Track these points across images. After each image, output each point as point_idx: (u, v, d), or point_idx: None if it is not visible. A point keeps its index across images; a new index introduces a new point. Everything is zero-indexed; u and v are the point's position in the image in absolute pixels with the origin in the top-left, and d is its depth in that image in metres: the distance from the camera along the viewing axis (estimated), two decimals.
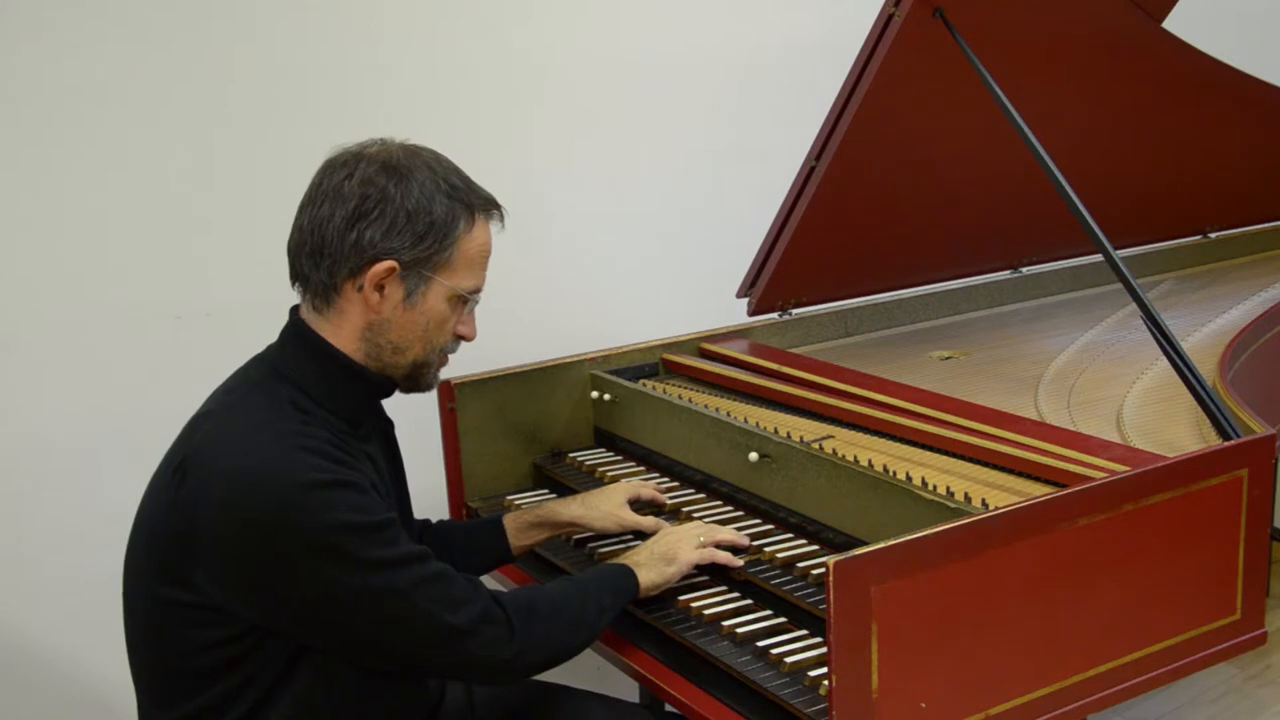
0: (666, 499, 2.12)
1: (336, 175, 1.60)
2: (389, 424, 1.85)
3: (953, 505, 1.71)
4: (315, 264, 1.61)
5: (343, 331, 1.63)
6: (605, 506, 2.03)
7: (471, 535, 2.03)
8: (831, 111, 2.36)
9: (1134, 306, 2.15)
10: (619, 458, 2.37)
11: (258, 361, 1.67)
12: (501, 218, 1.70)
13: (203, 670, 1.56)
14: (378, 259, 1.58)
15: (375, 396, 1.71)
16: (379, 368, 1.66)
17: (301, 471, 1.48)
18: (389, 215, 1.57)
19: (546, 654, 1.66)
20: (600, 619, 1.74)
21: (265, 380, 1.62)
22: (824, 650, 1.62)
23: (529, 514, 2.05)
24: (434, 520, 2.06)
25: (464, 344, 1.73)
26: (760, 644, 1.74)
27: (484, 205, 1.66)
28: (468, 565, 1.92)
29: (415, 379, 1.69)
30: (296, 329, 1.64)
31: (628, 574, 1.81)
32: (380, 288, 1.60)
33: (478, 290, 1.68)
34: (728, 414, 2.19)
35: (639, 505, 2.08)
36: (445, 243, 1.60)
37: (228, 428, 1.56)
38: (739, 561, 1.88)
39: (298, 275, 1.64)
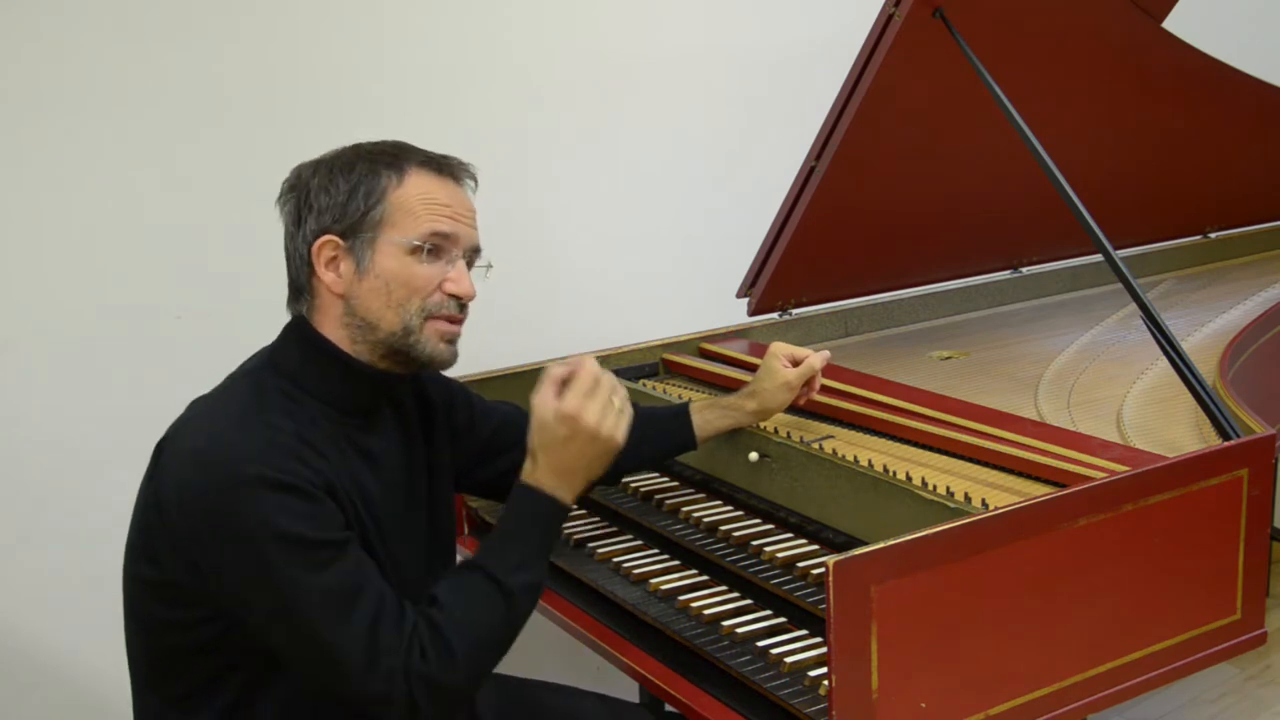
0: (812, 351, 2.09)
1: (280, 193, 1.64)
2: (432, 409, 1.80)
3: (953, 505, 1.71)
4: (290, 269, 1.64)
5: (328, 321, 1.61)
6: (773, 384, 2.04)
7: (655, 423, 2.04)
8: (831, 111, 2.36)
9: (1134, 306, 2.15)
10: None
11: (260, 352, 1.68)
12: (459, 174, 1.63)
13: (179, 652, 1.57)
14: (317, 239, 1.59)
15: (374, 388, 1.65)
16: (368, 354, 1.61)
17: (249, 463, 1.46)
18: (316, 202, 1.58)
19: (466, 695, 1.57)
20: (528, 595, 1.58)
21: (257, 368, 1.63)
22: (824, 650, 1.62)
23: (715, 411, 2.06)
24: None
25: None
26: (760, 644, 1.74)
27: (422, 161, 1.60)
28: (654, 450, 2.04)
29: (406, 352, 1.60)
30: (295, 321, 1.65)
31: (556, 507, 1.61)
32: (335, 266, 1.59)
33: (436, 235, 1.58)
34: None
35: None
36: (372, 200, 1.56)
37: (202, 410, 1.59)
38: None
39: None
